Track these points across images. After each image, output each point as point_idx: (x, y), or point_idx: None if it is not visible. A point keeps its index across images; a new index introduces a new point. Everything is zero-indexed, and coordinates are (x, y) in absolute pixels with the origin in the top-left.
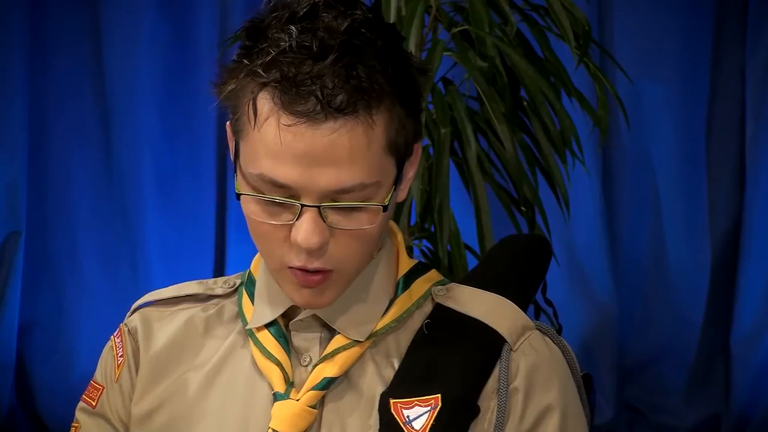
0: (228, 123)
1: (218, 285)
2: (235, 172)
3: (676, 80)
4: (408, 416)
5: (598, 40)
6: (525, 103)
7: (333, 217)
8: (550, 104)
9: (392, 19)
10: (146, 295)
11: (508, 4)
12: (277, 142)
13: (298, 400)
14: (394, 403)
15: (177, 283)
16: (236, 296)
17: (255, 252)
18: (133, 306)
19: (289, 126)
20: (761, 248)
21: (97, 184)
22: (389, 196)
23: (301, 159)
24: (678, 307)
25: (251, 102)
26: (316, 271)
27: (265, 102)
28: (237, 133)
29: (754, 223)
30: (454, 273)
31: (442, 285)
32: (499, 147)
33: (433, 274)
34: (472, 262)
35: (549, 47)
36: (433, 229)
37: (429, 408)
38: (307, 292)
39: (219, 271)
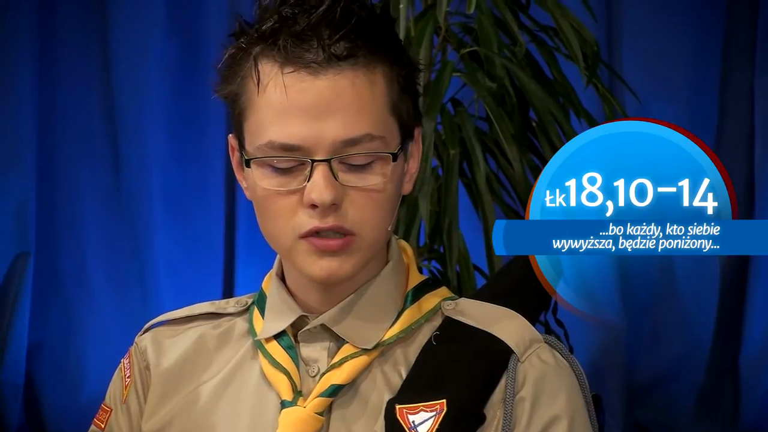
0: (230, 135)
1: (230, 305)
2: (242, 165)
3: (685, 100)
4: (413, 421)
5: (607, 61)
6: (534, 124)
7: (344, 176)
8: (559, 125)
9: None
10: (160, 316)
11: (516, 25)
12: (282, 99)
13: (305, 407)
14: (399, 408)
15: (186, 302)
16: (248, 314)
17: (264, 272)
18: (146, 325)
19: (291, 73)
20: None
21: (106, 204)
22: (398, 148)
23: (308, 112)
24: (687, 326)
25: (253, 66)
26: (334, 235)
27: (266, 63)
28: (242, 112)
29: None
30: (463, 294)
31: (452, 300)
32: (507, 167)
33: (444, 291)
34: (481, 283)
35: (558, 68)
36: (442, 249)
37: (434, 413)
38: (327, 260)
39: (228, 291)
